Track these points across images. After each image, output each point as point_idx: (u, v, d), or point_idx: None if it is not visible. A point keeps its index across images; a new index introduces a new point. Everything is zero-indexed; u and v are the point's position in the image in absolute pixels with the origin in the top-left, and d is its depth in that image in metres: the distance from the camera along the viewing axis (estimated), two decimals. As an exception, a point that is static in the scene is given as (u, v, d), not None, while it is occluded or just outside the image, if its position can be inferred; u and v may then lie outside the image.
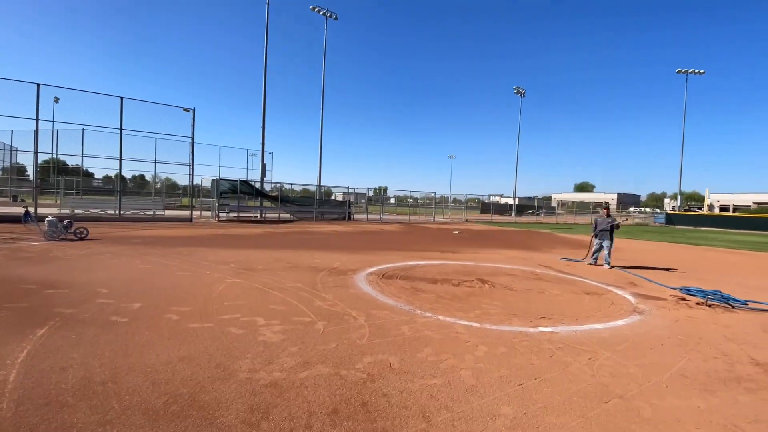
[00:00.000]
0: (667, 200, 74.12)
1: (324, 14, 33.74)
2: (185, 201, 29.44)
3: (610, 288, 7.64)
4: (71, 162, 28.10)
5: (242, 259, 8.99)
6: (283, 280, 6.95)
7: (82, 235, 11.33)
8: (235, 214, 23.07)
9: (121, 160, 18.57)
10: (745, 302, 6.57)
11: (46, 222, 11.03)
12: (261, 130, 28.19)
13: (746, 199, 75.85)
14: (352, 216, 29.01)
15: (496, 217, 41.59)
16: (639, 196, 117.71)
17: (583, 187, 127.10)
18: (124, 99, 18.20)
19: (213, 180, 24.52)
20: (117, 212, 19.26)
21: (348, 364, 3.59)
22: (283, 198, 26.08)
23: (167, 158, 20.66)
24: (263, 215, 24.78)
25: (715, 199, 73.25)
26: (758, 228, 34.41)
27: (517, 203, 51.60)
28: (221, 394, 2.94)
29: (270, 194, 26.33)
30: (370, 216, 30.10)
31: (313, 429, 2.55)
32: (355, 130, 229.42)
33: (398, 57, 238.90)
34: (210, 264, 8.25)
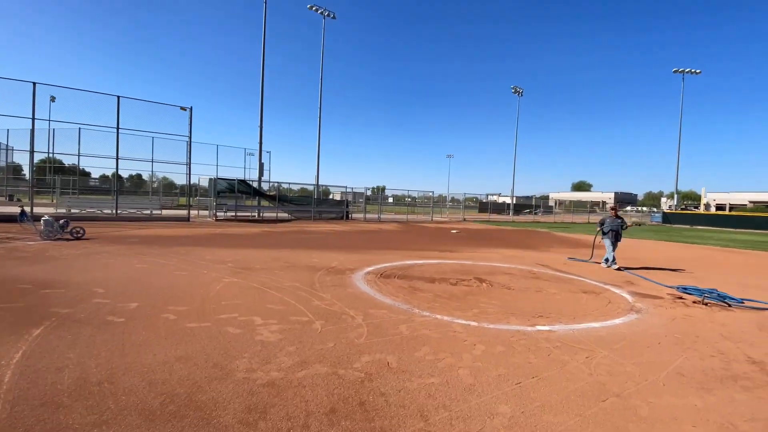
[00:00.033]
0: (663, 199, 74.48)
1: (322, 13, 33.70)
2: (182, 200, 29.39)
3: (607, 287, 7.65)
4: (68, 161, 28.00)
5: (240, 259, 8.97)
6: (281, 280, 6.93)
7: (79, 235, 11.28)
8: (233, 214, 23.01)
9: (117, 159, 18.51)
10: (741, 300, 6.60)
11: (42, 221, 10.97)
12: (259, 129, 28.14)
13: (742, 198, 76.26)
14: (350, 215, 28.99)
15: (494, 217, 41.65)
16: (636, 195, 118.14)
17: (580, 187, 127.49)
18: (120, 98, 18.15)
19: (210, 179, 24.45)
20: (114, 212, 19.18)
21: (346, 363, 3.58)
22: (280, 197, 26.04)
23: (164, 157, 20.59)
24: (261, 214, 24.74)
25: (712, 198, 73.58)
26: (754, 227, 34.57)
27: (514, 202, 51.72)
28: (218, 393, 2.93)
29: (268, 193, 26.30)
30: (368, 215, 30.08)
31: (310, 429, 2.55)
32: (353, 130, 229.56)
33: (397, 57, 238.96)
34: (207, 263, 8.22)
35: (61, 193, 25.76)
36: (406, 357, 3.79)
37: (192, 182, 24.16)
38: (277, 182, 27.06)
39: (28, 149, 16.79)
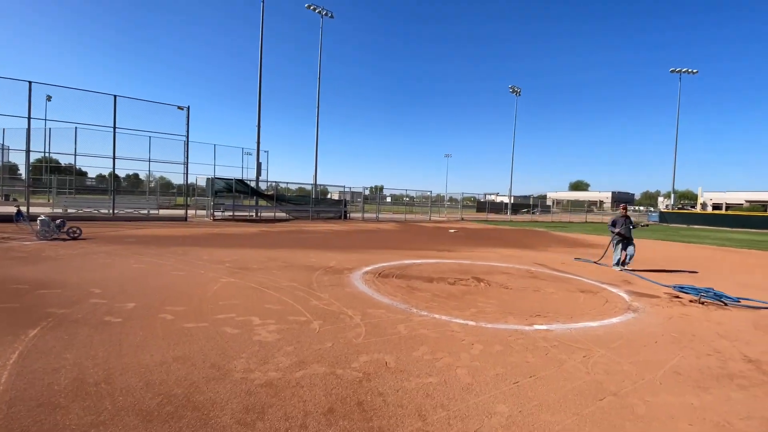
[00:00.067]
0: (660, 199, 74.72)
1: (320, 12, 33.63)
2: (180, 200, 29.31)
3: (604, 286, 7.68)
4: (64, 161, 27.85)
5: (237, 259, 8.95)
6: (279, 280, 6.92)
7: (75, 235, 11.23)
8: (231, 213, 22.96)
9: (114, 158, 18.45)
10: (738, 299, 6.63)
11: (38, 221, 10.92)
12: (257, 128, 28.08)
13: (738, 197, 76.61)
14: (348, 215, 28.97)
15: (492, 216, 41.71)
16: (633, 195, 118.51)
17: (577, 186, 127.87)
18: (117, 97, 18.08)
19: (208, 179, 24.42)
20: (110, 211, 19.11)
21: (344, 363, 3.58)
22: (278, 197, 26.00)
23: (161, 157, 20.57)
24: (259, 214, 24.68)
25: (708, 197, 73.93)
26: (750, 226, 34.76)
27: (512, 202, 51.79)
28: (216, 394, 2.92)
29: (265, 193, 26.25)
30: (367, 215, 30.07)
31: (308, 428, 2.55)
32: (351, 129, 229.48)
33: (396, 57, 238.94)
34: (205, 263, 8.21)
35: (57, 192, 25.64)
36: (404, 357, 3.79)
37: (189, 182, 24.14)
38: (275, 182, 27.09)
39: (24, 149, 16.70)
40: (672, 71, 47.28)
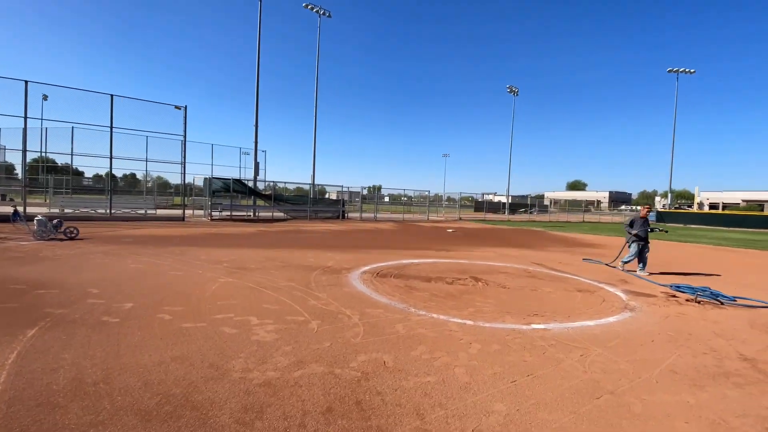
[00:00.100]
0: (657, 198, 74.90)
1: (317, 12, 33.58)
2: (177, 200, 29.25)
3: (601, 285, 7.71)
4: (61, 160, 27.71)
5: (235, 258, 8.94)
6: (277, 279, 6.93)
7: (72, 235, 11.20)
8: (228, 213, 22.93)
9: (111, 158, 18.39)
10: (734, 298, 6.67)
11: (35, 221, 10.89)
12: (254, 128, 28.03)
13: (735, 197, 76.93)
14: (346, 214, 28.98)
15: (490, 216, 41.78)
16: (630, 195, 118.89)
17: (575, 186, 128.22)
18: (114, 96, 18.03)
19: (205, 179, 24.34)
20: (108, 211, 19.06)
21: (342, 362, 3.59)
22: (276, 197, 25.98)
23: (159, 157, 20.50)
24: (256, 214, 24.66)
25: (705, 197, 74.21)
26: (747, 225, 34.93)
27: (510, 202, 51.90)
28: (215, 393, 2.93)
29: (263, 193, 26.21)
30: (365, 214, 30.08)
31: (307, 428, 2.56)
32: (350, 129, 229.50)
33: (395, 57, 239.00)
34: (203, 263, 8.20)
35: (54, 192, 25.57)
36: (403, 356, 3.80)
37: (187, 182, 24.04)
38: (273, 181, 27.05)
39: (21, 148, 16.64)
40: (669, 71, 47.46)
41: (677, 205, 60.80)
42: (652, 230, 9.70)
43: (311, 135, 33.31)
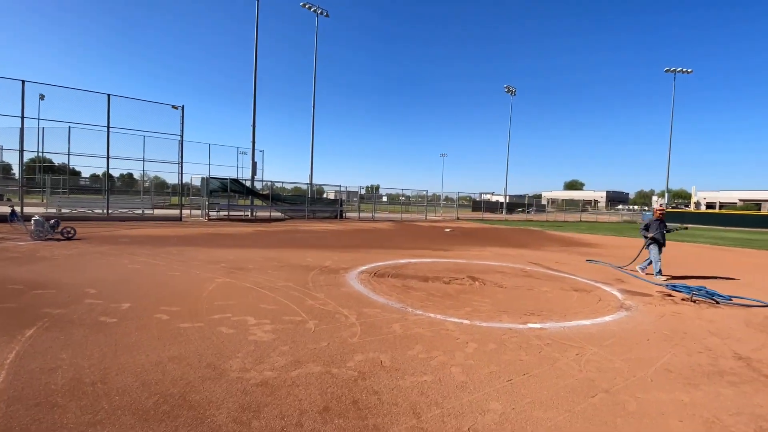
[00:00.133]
0: (654, 198, 75.22)
1: (315, 11, 33.57)
2: (174, 200, 29.19)
3: (598, 284, 7.75)
4: (57, 160, 27.65)
5: (233, 259, 8.95)
6: (274, 279, 6.94)
7: (70, 235, 11.18)
8: (226, 213, 22.91)
9: (108, 158, 18.33)
10: (729, 298, 6.72)
11: (32, 221, 10.86)
12: (252, 128, 28.01)
13: (732, 196, 77.19)
14: (343, 214, 28.98)
15: (487, 215, 41.86)
16: (627, 194, 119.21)
17: (572, 185, 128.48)
18: (111, 96, 17.96)
19: (203, 178, 24.30)
20: (105, 211, 19.01)
21: (339, 362, 3.61)
22: (274, 196, 25.95)
23: (156, 156, 20.41)
24: (254, 214, 24.64)
25: (702, 196, 74.43)
26: (743, 225, 35.09)
27: (507, 201, 52.01)
28: (212, 393, 2.94)
29: (261, 193, 26.18)
30: (362, 214, 30.09)
31: (304, 427, 2.57)
32: (348, 129, 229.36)
33: (393, 57, 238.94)
34: (200, 263, 8.20)
35: (51, 192, 25.46)
36: (399, 355, 3.82)
37: (184, 181, 24.02)
38: (271, 181, 26.97)
39: (18, 148, 16.57)
40: (666, 71, 47.60)
41: (674, 205, 61.04)
42: (669, 231, 9.17)
43: (309, 134, 33.32)
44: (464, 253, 11.87)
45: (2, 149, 24.53)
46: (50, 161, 27.55)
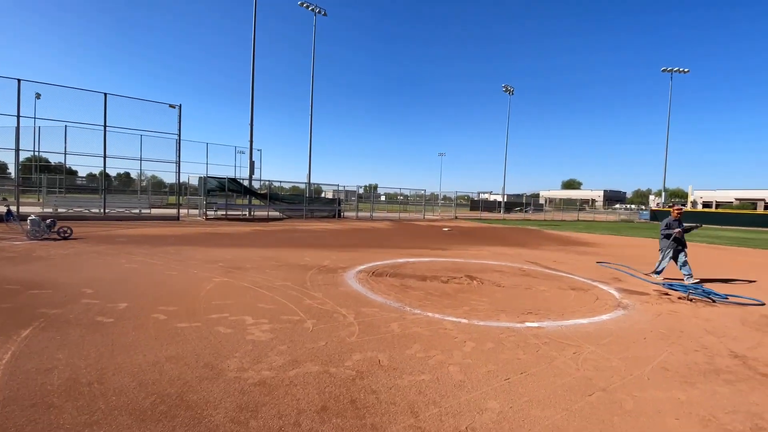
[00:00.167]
0: (651, 197, 75.54)
1: (312, 10, 33.51)
2: (172, 199, 29.10)
3: (595, 283, 7.77)
4: (54, 159, 27.51)
5: (230, 258, 8.93)
6: (272, 279, 6.93)
7: (66, 235, 11.13)
8: (223, 213, 22.86)
9: (105, 157, 18.27)
10: (726, 296, 6.75)
11: (28, 221, 10.80)
12: (249, 127, 27.95)
13: (728, 195, 77.53)
14: (342, 213, 28.96)
15: (485, 215, 41.91)
16: (625, 193, 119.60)
17: (570, 184, 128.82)
18: (108, 95, 17.90)
19: (200, 178, 24.22)
20: (102, 211, 18.94)
21: (337, 361, 3.61)
22: (272, 196, 25.91)
23: (153, 156, 20.33)
24: (252, 213, 24.60)
25: (699, 195, 74.75)
26: (740, 224, 35.26)
27: (505, 200, 52.09)
28: (209, 393, 2.93)
29: (259, 192, 26.14)
30: (361, 213, 30.08)
31: (302, 426, 2.57)
32: (346, 128, 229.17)
33: (392, 57, 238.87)
34: (198, 263, 8.18)
35: (47, 192, 25.37)
36: (397, 354, 3.82)
37: (182, 181, 23.93)
38: (269, 180, 26.94)
39: (13, 147, 16.49)
40: (664, 70, 47.76)
41: (671, 204, 61.25)
42: (687, 230, 8.63)
43: (307, 134, 33.28)
44: (462, 252, 11.88)
45: (-2, 148, 24.35)
46: (46, 160, 27.39)
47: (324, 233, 16.54)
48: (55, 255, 8.42)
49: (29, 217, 10.99)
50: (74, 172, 28.94)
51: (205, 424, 2.53)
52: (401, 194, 35.10)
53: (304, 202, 26.93)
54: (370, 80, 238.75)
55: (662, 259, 8.46)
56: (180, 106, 19.63)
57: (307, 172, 33.22)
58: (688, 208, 52.97)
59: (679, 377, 3.61)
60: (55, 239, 10.73)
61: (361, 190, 32.59)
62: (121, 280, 6.36)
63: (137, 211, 20.82)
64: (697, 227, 9.50)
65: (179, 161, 20.12)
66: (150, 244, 10.65)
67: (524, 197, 52.19)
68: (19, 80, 15.84)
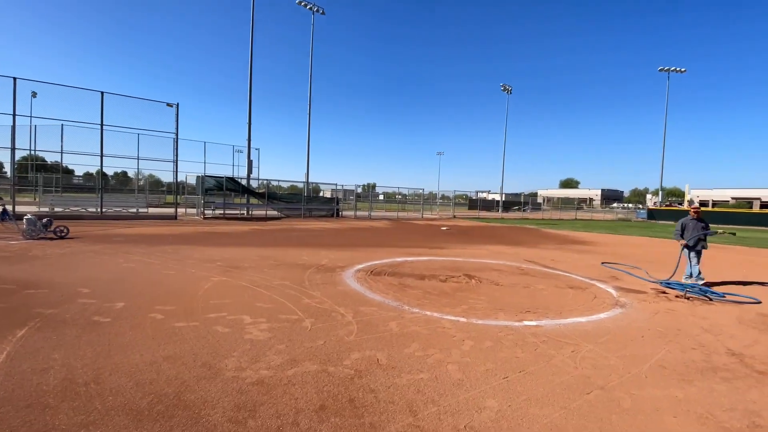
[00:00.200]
0: (648, 196, 75.72)
1: (311, 9, 33.42)
2: (169, 198, 28.98)
3: (593, 282, 7.78)
4: (50, 158, 27.40)
5: (228, 257, 8.90)
6: (271, 278, 6.91)
7: (62, 234, 11.08)
8: (221, 212, 22.80)
9: (102, 156, 18.19)
10: (723, 295, 6.78)
11: (24, 220, 10.75)
12: (247, 126, 27.86)
13: (725, 194, 77.86)
14: (340, 213, 28.92)
15: (484, 214, 41.94)
16: (622, 192, 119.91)
17: (568, 184, 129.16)
18: (104, 94, 17.82)
19: (198, 177, 24.14)
20: (98, 210, 18.87)
21: (335, 360, 3.60)
22: (270, 195, 25.86)
23: (151, 154, 20.26)
24: (250, 212, 24.55)
25: (695, 194, 74.96)
26: (736, 222, 35.40)
27: (503, 199, 52.14)
28: (207, 392, 2.92)
29: (257, 191, 26.08)
30: (359, 213, 30.05)
31: (300, 426, 2.56)
32: (344, 128, 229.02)
33: (391, 56, 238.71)
34: (195, 262, 8.15)
35: (43, 191, 25.25)
36: (396, 353, 3.82)
37: (179, 180, 23.87)
38: (267, 180, 26.90)
39: (9, 146, 16.39)
40: (660, 70, 47.83)
41: (668, 203, 61.44)
42: (710, 234, 7.96)
43: (305, 133, 33.21)
44: (460, 251, 11.88)
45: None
46: (43, 159, 27.31)
47: (322, 232, 16.52)
48: (51, 254, 8.38)
49: (25, 217, 10.94)
50: (71, 171, 28.84)
51: (202, 424, 2.52)
52: (399, 193, 35.09)
53: (302, 202, 26.89)
54: (370, 80, 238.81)
55: (691, 265, 7.88)
56: (177, 104, 19.57)
57: (306, 171, 33.17)
58: (685, 206, 53.11)
59: (676, 375, 3.61)
60: (51, 239, 10.67)
61: (359, 190, 32.56)
62: (118, 280, 6.33)
63: (134, 210, 20.75)
64: (723, 233, 8.19)
65: (177, 160, 20.06)
66: (147, 244, 10.60)
67: (522, 196, 52.30)
68: (15, 78, 15.76)
